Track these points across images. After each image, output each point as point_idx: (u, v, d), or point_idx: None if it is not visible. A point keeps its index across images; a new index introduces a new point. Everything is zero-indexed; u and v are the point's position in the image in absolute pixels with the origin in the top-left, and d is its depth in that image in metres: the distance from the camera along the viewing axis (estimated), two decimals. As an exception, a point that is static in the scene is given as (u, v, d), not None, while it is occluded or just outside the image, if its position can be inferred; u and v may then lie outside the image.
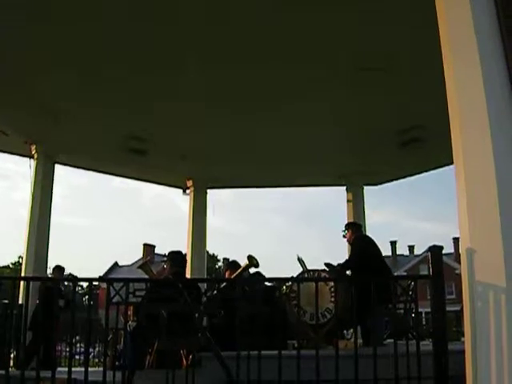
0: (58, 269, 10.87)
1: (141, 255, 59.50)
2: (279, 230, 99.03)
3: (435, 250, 4.51)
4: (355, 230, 8.82)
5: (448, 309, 4.57)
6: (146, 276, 7.73)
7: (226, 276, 8.81)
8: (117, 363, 8.95)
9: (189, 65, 8.47)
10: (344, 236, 8.81)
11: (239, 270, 8.24)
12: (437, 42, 4.56)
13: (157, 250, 59.47)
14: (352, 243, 8.68)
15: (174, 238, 56.59)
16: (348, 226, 8.97)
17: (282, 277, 5.22)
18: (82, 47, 7.94)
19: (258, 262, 8.04)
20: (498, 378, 3.60)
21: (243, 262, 8.29)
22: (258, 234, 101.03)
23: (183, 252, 7.78)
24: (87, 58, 8.24)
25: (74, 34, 7.62)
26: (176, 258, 7.51)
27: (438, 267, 4.45)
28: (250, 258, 8.09)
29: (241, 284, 5.71)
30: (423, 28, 5.94)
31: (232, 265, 8.89)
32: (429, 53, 5.46)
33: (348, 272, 8.34)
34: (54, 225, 11.68)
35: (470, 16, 4.15)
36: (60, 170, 12.15)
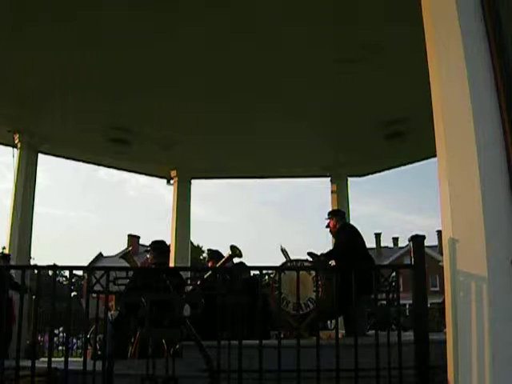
0: (4, 257, 9.93)
1: (125, 246, 59.31)
2: (264, 220, 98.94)
3: (417, 239, 4.51)
4: (339, 219, 8.49)
5: (432, 301, 4.57)
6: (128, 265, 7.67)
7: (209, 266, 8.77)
8: (99, 353, 8.90)
9: (177, 60, 8.44)
10: (327, 225, 8.48)
11: (222, 260, 8.21)
12: (421, 35, 4.55)
13: (141, 241, 59.32)
14: (337, 232, 8.39)
15: (159, 229, 56.44)
16: (331, 214, 8.61)
17: (264, 265, 5.17)
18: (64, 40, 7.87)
19: (241, 252, 8.01)
20: (479, 368, 3.60)
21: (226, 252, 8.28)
22: (242, 225, 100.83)
23: (166, 242, 7.70)
24: (71, 49, 8.14)
25: (66, 28, 7.58)
26: (158, 247, 7.43)
27: (420, 256, 4.45)
28: (233, 247, 8.07)
29: (222, 273, 5.67)
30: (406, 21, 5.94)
31: (214, 255, 8.81)
32: (413, 45, 5.42)
33: (332, 262, 8.06)
34: (38, 215, 11.59)
35: (455, 11, 4.15)
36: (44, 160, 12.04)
